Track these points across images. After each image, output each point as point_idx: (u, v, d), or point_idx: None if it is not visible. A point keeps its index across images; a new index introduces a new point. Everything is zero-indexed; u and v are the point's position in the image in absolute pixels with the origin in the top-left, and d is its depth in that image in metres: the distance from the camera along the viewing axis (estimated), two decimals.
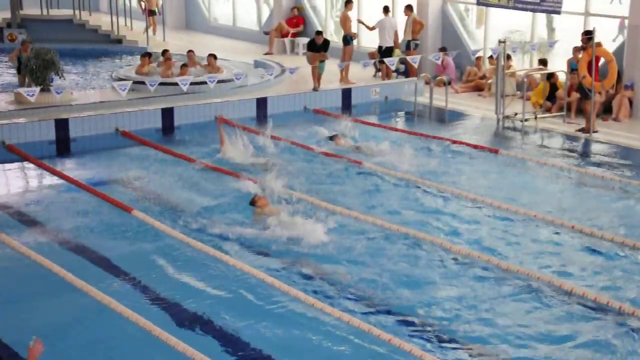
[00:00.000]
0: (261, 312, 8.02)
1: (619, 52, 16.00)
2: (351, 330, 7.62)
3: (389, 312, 8.05)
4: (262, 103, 16.31)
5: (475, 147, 13.94)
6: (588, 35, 14.49)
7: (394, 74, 19.06)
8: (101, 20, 24.08)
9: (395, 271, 8.93)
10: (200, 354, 7.05)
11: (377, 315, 7.96)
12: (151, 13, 24.25)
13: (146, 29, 23.51)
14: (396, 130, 15.39)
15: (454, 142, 14.27)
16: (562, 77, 16.43)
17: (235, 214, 10.51)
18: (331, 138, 13.87)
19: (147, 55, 17.94)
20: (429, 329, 7.72)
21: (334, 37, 22.14)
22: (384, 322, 7.82)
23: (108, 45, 23.04)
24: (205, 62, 17.76)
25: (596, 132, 14.72)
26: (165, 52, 18.35)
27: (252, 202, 10.32)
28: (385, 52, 18.34)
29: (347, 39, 18.82)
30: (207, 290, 8.47)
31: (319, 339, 7.55)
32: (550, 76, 16.43)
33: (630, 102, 15.88)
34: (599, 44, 14.52)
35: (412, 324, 7.80)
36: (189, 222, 10.24)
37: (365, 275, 8.80)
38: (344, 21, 18.99)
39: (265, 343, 7.42)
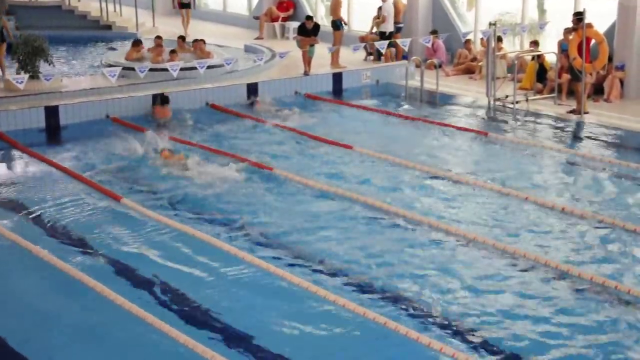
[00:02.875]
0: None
1: (610, 32, 15.99)
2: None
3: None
4: (253, 88, 16.27)
5: (464, 129, 13.96)
6: (578, 16, 14.48)
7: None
8: (90, 6, 23.91)
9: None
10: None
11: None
12: (182, 5, 23.12)
13: (183, 23, 22.81)
14: (386, 113, 15.36)
15: (443, 124, 14.30)
16: (552, 59, 16.41)
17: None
18: (251, 103, 15.56)
19: (138, 42, 17.86)
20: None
21: (324, 21, 22.07)
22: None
23: (97, 32, 22.89)
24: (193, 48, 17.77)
25: (587, 113, 14.74)
26: (157, 38, 18.29)
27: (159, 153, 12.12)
28: (388, 37, 18.28)
29: (337, 24, 18.76)
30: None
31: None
32: (537, 57, 16.45)
33: (622, 82, 15.89)
34: (589, 25, 14.51)
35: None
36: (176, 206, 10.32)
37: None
38: (335, 7, 18.90)
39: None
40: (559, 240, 9.30)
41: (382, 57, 18.82)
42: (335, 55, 17.82)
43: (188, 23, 23.01)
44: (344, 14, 19.34)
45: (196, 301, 7.89)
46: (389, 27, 18.64)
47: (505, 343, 7.09)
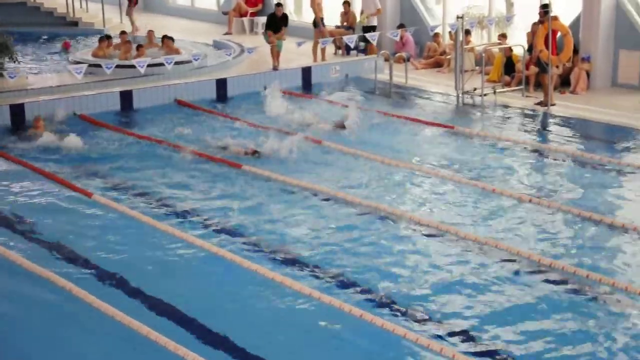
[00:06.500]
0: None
1: (575, 25, 16.14)
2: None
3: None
4: (221, 84, 16.19)
5: (432, 123, 13.99)
6: (545, 8, 14.59)
7: (354, 52, 19.06)
8: (56, 2, 23.63)
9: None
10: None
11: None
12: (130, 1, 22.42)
13: (130, 20, 22.34)
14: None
15: (411, 118, 14.33)
16: (520, 51, 16.51)
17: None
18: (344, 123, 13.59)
19: (105, 38, 17.69)
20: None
21: (294, 16, 22.05)
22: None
23: (64, 28, 22.65)
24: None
25: (554, 105, 14.87)
26: (122, 33, 18.13)
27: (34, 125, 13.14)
28: (370, 29, 18.22)
29: (316, 23, 18.75)
30: None
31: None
32: (505, 49, 16.59)
33: (588, 74, 16.05)
34: (555, 18, 14.64)
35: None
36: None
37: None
38: (314, 5, 18.80)
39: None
40: (524, 230, 9.37)
41: (368, 50, 18.72)
42: (322, 51, 17.90)
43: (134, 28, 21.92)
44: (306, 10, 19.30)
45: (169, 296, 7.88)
46: (371, 20, 18.60)
47: (486, 336, 7.16)
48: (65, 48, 19.69)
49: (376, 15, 18.63)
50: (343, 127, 13.27)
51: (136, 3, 22.92)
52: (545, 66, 14.74)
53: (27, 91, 15.11)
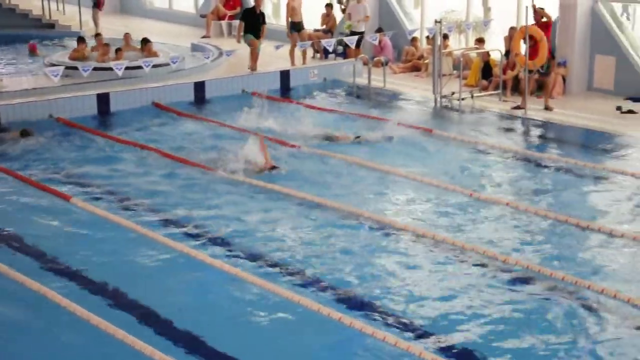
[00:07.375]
0: None
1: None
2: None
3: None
4: (199, 87, 16.14)
5: (410, 127, 14.02)
6: (541, 13, 14.68)
7: (332, 55, 19.07)
8: (32, 4, 23.42)
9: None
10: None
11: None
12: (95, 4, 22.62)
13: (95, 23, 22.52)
14: (332, 111, 15.37)
15: (389, 121, 14.36)
16: (497, 56, 16.60)
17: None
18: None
19: (82, 40, 17.59)
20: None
21: (272, 19, 22.05)
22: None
23: (40, 30, 22.45)
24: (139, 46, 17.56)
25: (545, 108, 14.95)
26: (97, 35, 18.02)
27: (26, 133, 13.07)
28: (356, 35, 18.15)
29: (296, 26, 18.73)
30: None
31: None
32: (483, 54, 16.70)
33: (564, 79, 16.19)
34: (536, 23, 14.75)
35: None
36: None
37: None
38: (291, 9, 18.75)
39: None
40: (499, 233, 9.42)
41: (347, 54, 18.67)
42: (303, 53, 17.84)
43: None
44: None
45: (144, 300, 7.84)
46: (360, 27, 18.50)
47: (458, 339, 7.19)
48: (32, 50, 19.52)
49: (364, 22, 18.56)
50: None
51: (102, 6, 22.82)
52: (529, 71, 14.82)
53: (1, 94, 14.97)
